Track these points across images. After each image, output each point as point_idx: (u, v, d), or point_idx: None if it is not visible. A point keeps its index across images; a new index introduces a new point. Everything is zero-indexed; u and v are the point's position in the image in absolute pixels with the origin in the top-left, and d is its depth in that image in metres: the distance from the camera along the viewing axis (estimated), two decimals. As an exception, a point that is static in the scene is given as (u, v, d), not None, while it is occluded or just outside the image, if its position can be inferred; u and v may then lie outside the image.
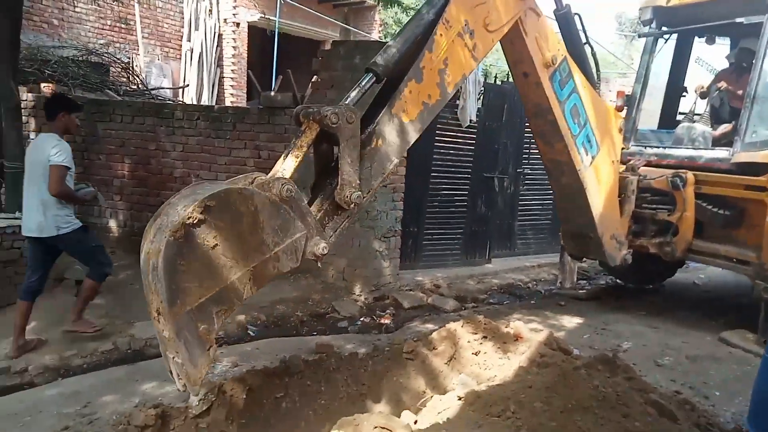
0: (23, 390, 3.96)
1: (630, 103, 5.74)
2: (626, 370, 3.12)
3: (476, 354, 3.93)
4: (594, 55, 4.44)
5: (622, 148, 5.67)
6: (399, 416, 3.05)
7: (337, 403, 3.51)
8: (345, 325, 5.47)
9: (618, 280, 7.01)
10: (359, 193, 2.52)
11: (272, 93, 6.64)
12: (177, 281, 2.00)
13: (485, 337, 4.03)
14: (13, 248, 5.21)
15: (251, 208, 2.18)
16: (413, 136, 2.86)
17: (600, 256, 4.96)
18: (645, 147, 5.70)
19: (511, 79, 9.00)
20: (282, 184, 2.28)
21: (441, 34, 2.93)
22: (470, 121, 7.01)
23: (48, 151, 4.40)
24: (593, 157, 4.34)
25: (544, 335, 4.01)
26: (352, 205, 2.52)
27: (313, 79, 6.40)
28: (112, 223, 7.54)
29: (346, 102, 2.60)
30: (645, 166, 5.41)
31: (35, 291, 4.54)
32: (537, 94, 3.92)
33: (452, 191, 7.27)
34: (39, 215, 4.42)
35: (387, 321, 5.56)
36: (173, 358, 2.02)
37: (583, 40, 4.33)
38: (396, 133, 2.77)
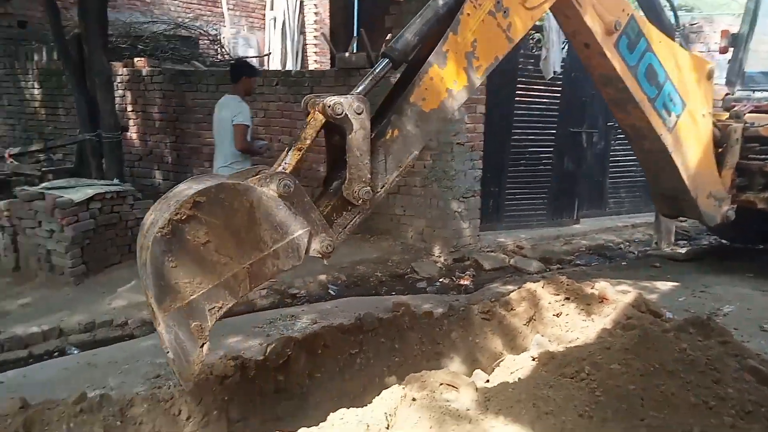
0: (123, 341, 4.28)
1: (736, 43, 5.15)
2: (721, 334, 2.85)
3: (557, 315, 3.78)
4: (671, 5, 3.92)
5: (727, 94, 5.12)
6: (471, 376, 3.00)
7: (411, 361, 3.50)
8: (423, 286, 5.44)
9: (722, 240, 6.46)
10: (368, 188, 2.32)
11: (347, 54, 6.59)
12: (166, 278, 1.95)
13: (567, 298, 3.86)
14: (113, 212, 5.57)
15: (246, 204, 2.07)
16: (436, 126, 2.61)
17: (696, 216, 4.53)
18: (753, 91, 5.12)
19: None
20: (280, 180, 2.14)
21: (468, 14, 2.60)
22: (554, 72, 6.62)
23: (231, 111, 5.03)
24: (678, 116, 3.88)
25: (632, 296, 3.78)
26: (361, 201, 2.33)
27: (387, 37, 6.27)
28: (204, 189, 7.89)
29: (358, 90, 2.39)
30: (752, 112, 4.87)
31: None
32: (602, 64, 3.48)
33: (536, 148, 6.96)
34: (226, 168, 4.92)
35: (466, 282, 5.48)
36: (166, 353, 2.01)
37: None
38: (414, 123, 2.51)
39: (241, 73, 5.23)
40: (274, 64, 12.85)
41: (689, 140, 4.02)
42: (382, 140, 2.44)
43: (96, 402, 2.70)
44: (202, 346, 2.03)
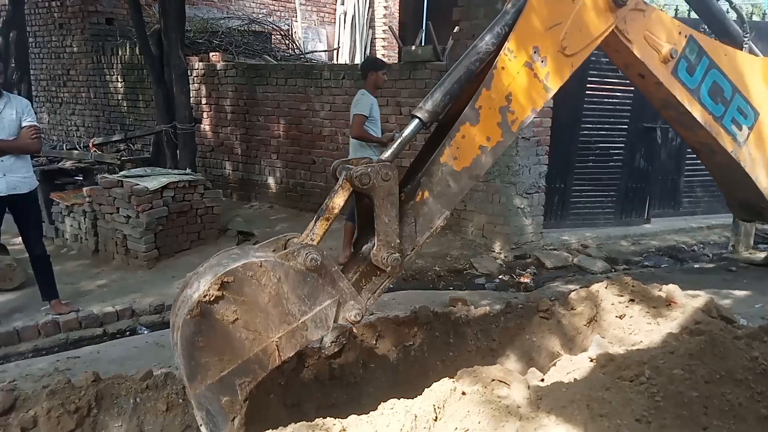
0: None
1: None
2: (799, 344, 2.66)
3: (621, 317, 3.64)
4: (735, 7, 3.63)
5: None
6: (526, 374, 2.94)
7: (464, 356, 3.48)
8: (482, 282, 5.38)
9: (809, 246, 6.03)
10: (397, 255, 2.26)
11: (413, 47, 6.58)
12: (196, 358, 1.97)
13: (632, 300, 3.71)
14: (185, 201, 5.84)
15: (274, 280, 2.06)
16: (468, 184, 2.50)
17: None
18: None
19: (684, 7, 7.98)
20: (307, 254, 2.12)
21: (503, 67, 2.45)
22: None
23: (354, 103, 5.56)
24: (750, 128, 3.59)
25: (702, 301, 3.59)
26: (390, 268, 2.27)
27: (454, 30, 6.22)
28: (270, 180, 8.13)
29: (386, 155, 2.35)
30: None
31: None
32: (661, 92, 3.22)
33: (606, 143, 6.69)
34: (357, 153, 5.37)
35: (526, 280, 5.37)
36: (200, 428, 2.03)
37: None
38: (446, 183, 2.42)
39: (368, 68, 5.63)
40: (343, 58, 13.01)
41: (765, 150, 3.75)
42: (411, 203, 2.39)
43: (161, 379, 2.84)
44: (233, 419, 2.04)
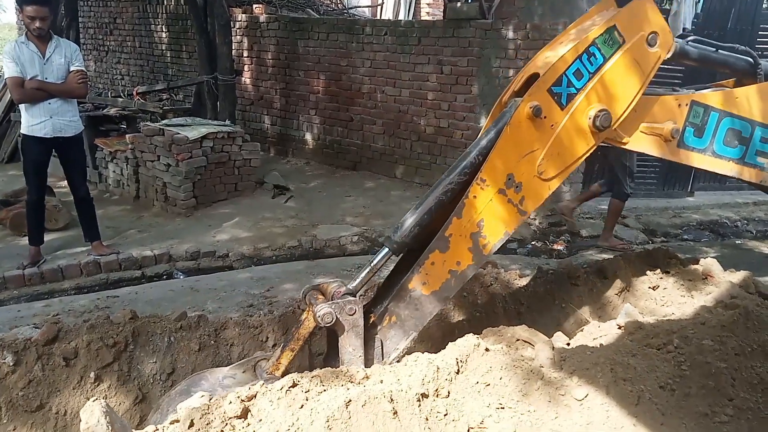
0: (223, 271, 4.60)
1: None
2: (839, 323, 2.58)
3: (654, 288, 3.59)
4: (737, 50, 3.42)
5: None
6: (551, 337, 2.94)
7: (492, 317, 3.48)
8: (514, 248, 5.34)
9: None
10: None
11: (459, 4, 6.41)
12: None
13: (667, 272, 3.65)
14: (223, 152, 5.92)
15: None
16: (437, 306, 2.49)
17: None
18: None
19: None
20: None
21: (475, 196, 2.40)
22: (684, 29, 6.06)
23: None
24: None
25: (740, 276, 3.50)
26: None
27: (501, -13, 6.03)
28: (308, 136, 8.15)
29: (354, 284, 2.35)
30: None
31: None
32: (670, 160, 3.14)
33: (653, 112, 6.45)
34: None
35: (560, 247, 5.31)
36: None
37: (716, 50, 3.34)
38: (414, 307, 2.42)
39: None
40: (386, 14, 12.77)
41: None
42: (380, 327, 2.40)
43: (194, 321, 2.95)
44: None
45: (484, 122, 6.28)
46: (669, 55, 3.05)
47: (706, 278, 3.58)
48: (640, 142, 2.87)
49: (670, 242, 5.56)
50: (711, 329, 2.38)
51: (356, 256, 4.93)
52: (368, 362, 2.40)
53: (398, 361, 2.39)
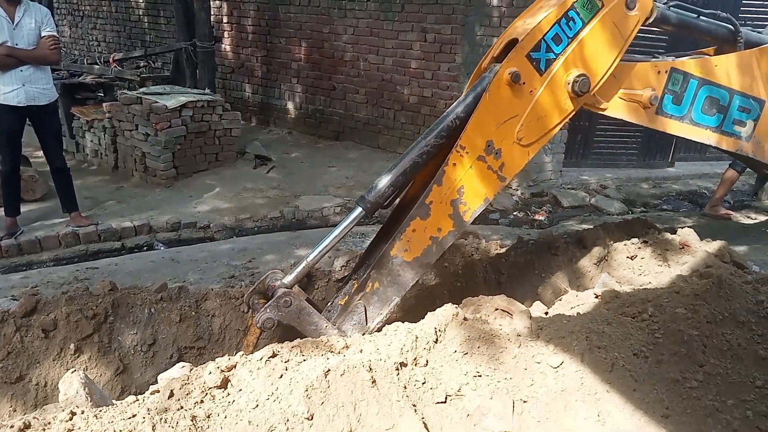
0: (204, 242, 4.58)
1: None
2: (809, 292, 2.64)
3: (632, 258, 3.64)
4: (719, 16, 3.41)
5: None
6: (530, 307, 2.98)
7: (472, 287, 3.52)
8: (496, 218, 5.37)
9: (834, 197, 5.88)
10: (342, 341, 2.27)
11: (442, -30, 6.30)
12: None
13: (645, 242, 3.69)
14: (203, 121, 5.82)
15: None
16: (420, 272, 2.52)
17: None
18: None
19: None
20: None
21: (455, 164, 2.40)
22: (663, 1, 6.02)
23: None
24: (756, 120, 3.46)
25: (716, 246, 3.56)
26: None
27: (486, -46, 5.92)
28: (290, 105, 8.05)
29: (289, 279, 2.39)
30: None
31: None
32: (650, 127, 3.12)
33: (635, 83, 6.46)
34: None
35: (541, 218, 5.35)
36: None
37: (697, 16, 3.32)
38: (395, 274, 2.45)
39: None
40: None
41: None
42: (362, 294, 2.43)
43: (175, 293, 2.94)
44: None
45: (467, 92, 6.25)
46: (650, 20, 3.05)
47: (683, 248, 3.63)
48: (618, 109, 2.88)
49: (650, 212, 5.63)
50: (685, 298, 2.42)
51: (339, 227, 4.92)
52: (352, 328, 2.44)
53: (380, 329, 2.40)
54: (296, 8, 7.65)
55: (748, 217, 5.35)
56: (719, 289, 2.42)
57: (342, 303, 2.58)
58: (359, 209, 2.47)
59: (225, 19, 8.44)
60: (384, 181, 2.44)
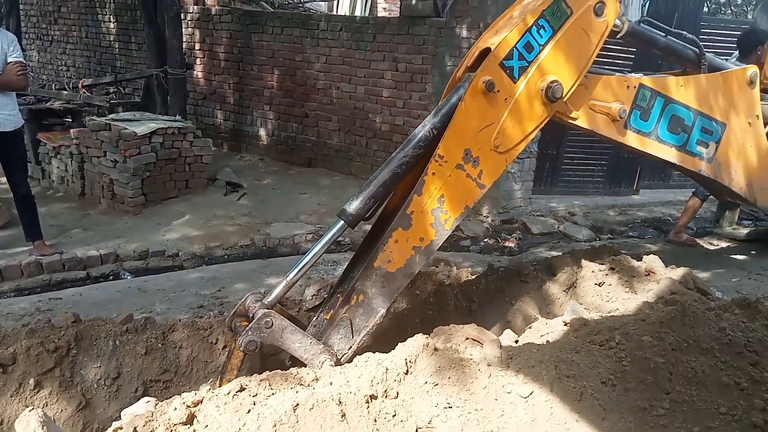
0: (173, 271, 4.50)
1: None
2: (769, 318, 2.72)
3: (599, 285, 3.69)
4: (685, 37, 3.60)
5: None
6: (501, 335, 3.00)
7: (444, 315, 3.52)
8: (467, 245, 5.41)
9: (793, 224, 6.08)
10: (329, 361, 2.33)
11: (413, 2, 6.43)
12: None
13: (612, 269, 3.75)
14: (173, 148, 5.78)
15: None
16: (403, 282, 2.54)
17: (759, 210, 4.32)
18: None
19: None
20: None
21: (434, 173, 2.45)
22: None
23: None
24: (717, 142, 3.62)
25: (680, 273, 3.64)
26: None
27: (455, -13, 6.07)
28: (262, 132, 8.05)
29: (270, 299, 2.38)
30: None
31: None
32: (614, 143, 3.21)
33: (601, 113, 6.64)
34: None
35: (511, 244, 5.41)
36: None
37: (665, 35, 3.50)
38: (380, 285, 2.47)
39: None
40: (342, 10, 12.70)
41: (736, 156, 3.78)
42: (347, 307, 2.44)
43: (141, 324, 2.87)
44: None
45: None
46: (622, 33, 3.16)
47: (649, 274, 3.70)
48: (588, 119, 2.95)
49: (616, 239, 5.74)
50: (650, 325, 2.46)
51: (310, 255, 4.89)
52: (338, 342, 2.43)
53: (366, 338, 2.47)
54: (269, 36, 7.70)
55: (711, 244, 5.50)
56: (683, 316, 2.47)
57: (327, 317, 2.57)
58: (341, 222, 2.48)
59: (197, 46, 8.44)
60: (364, 194, 2.46)
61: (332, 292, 2.71)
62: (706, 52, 3.67)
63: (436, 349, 2.15)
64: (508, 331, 3.06)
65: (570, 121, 2.88)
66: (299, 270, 2.43)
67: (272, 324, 2.28)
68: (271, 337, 2.29)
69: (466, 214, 2.63)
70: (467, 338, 2.48)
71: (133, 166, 5.40)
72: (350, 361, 2.34)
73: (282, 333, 2.29)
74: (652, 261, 3.78)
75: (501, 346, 2.31)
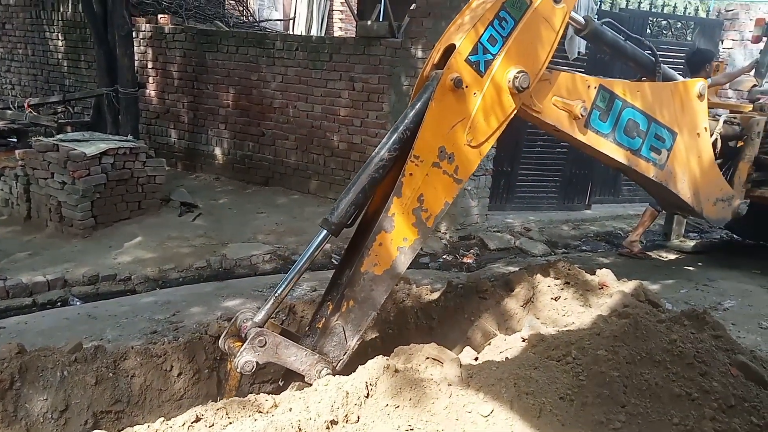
0: (125, 296, 4.36)
1: (768, 33, 5.00)
2: (715, 328, 2.81)
3: (555, 299, 3.76)
4: (644, 43, 3.81)
5: (754, 85, 5.01)
6: (461, 353, 3.01)
7: (404, 334, 3.52)
8: (426, 262, 5.44)
9: (735, 236, 6.36)
10: (326, 370, 2.43)
11: (369, 23, 6.50)
12: None
13: (567, 283, 3.83)
14: (125, 168, 5.62)
15: None
16: (391, 283, 2.63)
17: (705, 220, 4.50)
18: (781, 85, 4.98)
19: (630, 5, 8.18)
20: None
21: (411, 174, 2.53)
22: (578, 53, 6.47)
23: None
24: (669, 150, 3.78)
25: (632, 285, 3.74)
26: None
27: (411, 8, 6.17)
28: (217, 151, 7.93)
29: (260, 317, 2.43)
30: (777, 106, 4.74)
31: None
32: (575, 142, 3.33)
33: (553, 131, 6.83)
34: None
35: (469, 261, 5.47)
36: None
37: (625, 39, 3.68)
38: (369, 289, 2.53)
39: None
40: (299, 29, 12.72)
41: (685, 166, 3.95)
42: (338, 314, 2.49)
43: (90, 353, 2.76)
44: None
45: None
46: (585, 32, 3.26)
47: (602, 288, 3.79)
48: (552, 114, 3.04)
49: (571, 253, 5.87)
50: (605, 339, 2.52)
51: (268, 276, 4.82)
52: (333, 349, 2.49)
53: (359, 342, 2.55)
54: (224, 55, 7.64)
55: (660, 257, 5.68)
56: (636, 330, 2.53)
57: (320, 326, 2.59)
58: (324, 232, 2.52)
59: (150, 65, 8.29)
60: (345, 202, 2.50)
61: (322, 300, 2.74)
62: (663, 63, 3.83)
63: (396, 371, 2.14)
64: (467, 348, 3.08)
65: (535, 114, 2.96)
66: (286, 284, 2.48)
67: (266, 342, 2.32)
68: (266, 354, 2.33)
69: (446, 210, 2.69)
70: (428, 358, 2.48)
71: (83, 188, 5.23)
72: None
73: (276, 349, 2.34)
74: (605, 274, 3.88)
75: (461, 364, 2.32)
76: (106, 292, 4.42)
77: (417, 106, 2.60)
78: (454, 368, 2.26)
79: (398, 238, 2.54)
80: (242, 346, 2.31)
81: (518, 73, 2.65)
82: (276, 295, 2.45)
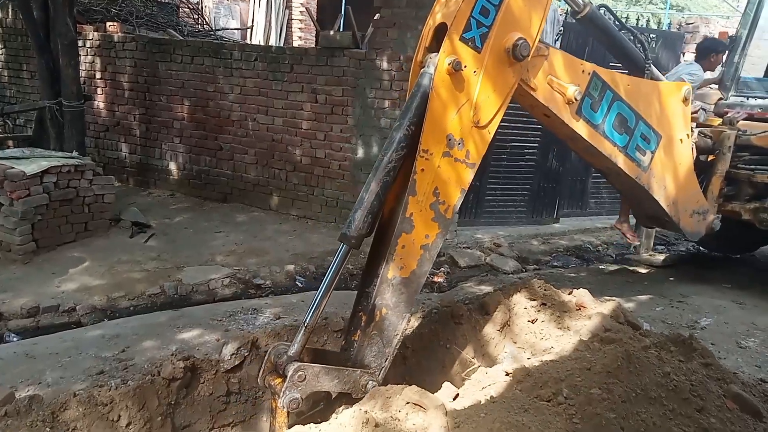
0: (70, 329, 3.98)
1: (733, 46, 5.00)
2: (704, 355, 2.70)
3: (533, 322, 3.61)
4: (637, 36, 3.75)
5: (720, 99, 4.99)
6: (441, 384, 2.80)
7: (377, 364, 3.29)
8: (396, 281, 5.22)
9: (701, 248, 6.37)
10: (372, 383, 2.46)
11: (331, 32, 6.28)
12: None
13: (544, 304, 3.69)
14: (69, 188, 5.23)
15: None
16: (420, 282, 2.60)
17: (680, 233, 4.46)
18: (747, 98, 4.97)
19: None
20: None
21: (423, 169, 2.46)
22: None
23: None
24: (653, 152, 3.72)
25: (610, 307, 3.61)
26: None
27: (375, 17, 5.99)
28: (172, 166, 7.56)
29: (294, 350, 2.43)
30: (746, 119, 4.72)
31: None
32: (566, 130, 3.25)
33: (520, 144, 6.75)
34: None
35: (440, 279, 5.28)
36: None
37: (619, 28, 3.64)
38: (399, 293, 2.51)
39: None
40: (257, 38, 12.41)
41: (667, 171, 3.88)
42: (373, 323, 2.49)
43: (25, 404, 2.45)
44: None
45: (361, 153, 6.11)
46: (583, 14, 3.16)
47: (579, 309, 3.66)
48: (546, 93, 2.98)
49: (542, 269, 5.76)
50: (597, 375, 2.35)
51: (228, 302, 4.50)
52: (373, 359, 2.49)
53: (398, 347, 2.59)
54: (178, 65, 7.29)
55: (630, 271, 5.61)
56: (629, 364, 2.38)
57: (356, 338, 2.56)
58: (345, 247, 2.48)
59: (98, 75, 7.86)
60: (360, 212, 2.44)
61: (353, 311, 2.70)
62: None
63: (377, 425, 1.91)
64: (447, 384, 2.86)
65: (531, 93, 2.88)
66: (314, 311, 2.47)
67: (305, 376, 2.32)
68: (308, 387, 2.34)
69: (462, 198, 2.63)
70: (408, 403, 2.25)
71: (22, 210, 4.81)
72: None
73: (317, 379, 2.35)
74: (582, 295, 3.75)
75: (446, 412, 2.10)
76: (48, 325, 4.04)
77: (417, 99, 2.50)
78: (439, 417, 2.05)
79: (420, 237, 2.51)
80: (283, 383, 2.31)
81: (518, 40, 2.57)
82: (306, 324, 2.44)
